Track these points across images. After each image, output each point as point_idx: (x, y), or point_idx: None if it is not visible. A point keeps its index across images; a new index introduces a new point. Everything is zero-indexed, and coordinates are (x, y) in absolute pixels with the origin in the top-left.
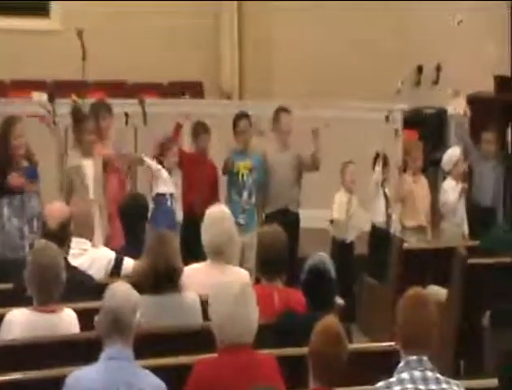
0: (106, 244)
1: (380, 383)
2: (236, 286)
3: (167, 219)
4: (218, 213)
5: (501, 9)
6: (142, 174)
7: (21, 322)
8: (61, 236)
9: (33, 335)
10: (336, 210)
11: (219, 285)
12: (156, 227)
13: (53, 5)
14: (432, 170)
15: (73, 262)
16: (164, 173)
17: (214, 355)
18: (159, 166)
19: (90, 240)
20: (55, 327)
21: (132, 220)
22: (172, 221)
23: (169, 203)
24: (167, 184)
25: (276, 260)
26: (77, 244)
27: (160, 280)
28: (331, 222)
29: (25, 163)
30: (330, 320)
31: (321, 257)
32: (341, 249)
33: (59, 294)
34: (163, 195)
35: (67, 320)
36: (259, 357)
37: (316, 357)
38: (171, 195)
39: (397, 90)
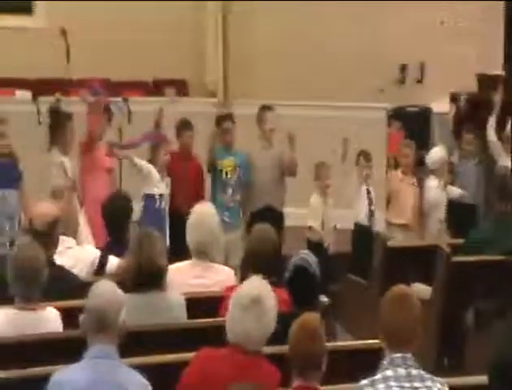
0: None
1: (364, 381)
2: (255, 292)
3: (156, 220)
4: (202, 211)
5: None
6: (130, 173)
7: (2, 322)
8: (48, 236)
9: (15, 333)
10: (312, 217)
11: (242, 285)
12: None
13: (37, 3)
14: (417, 168)
15: (58, 260)
16: (156, 174)
17: (221, 349)
18: (150, 168)
19: (74, 237)
20: (37, 326)
21: (115, 219)
22: (161, 222)
23: (158, 204)
24: (158, 185)
25: (266, 259)
26: (62, 242)
27: (144, 279)
28: (310, 228)
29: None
30: (308, 316)
31: (305, 255)
32: (316, 250)
33: (41, 292)
34: (152, 196)
35: (49, 318)
36: (262, 364)
37: (294, 353)
38: (161, 196)
39: (379, 89)
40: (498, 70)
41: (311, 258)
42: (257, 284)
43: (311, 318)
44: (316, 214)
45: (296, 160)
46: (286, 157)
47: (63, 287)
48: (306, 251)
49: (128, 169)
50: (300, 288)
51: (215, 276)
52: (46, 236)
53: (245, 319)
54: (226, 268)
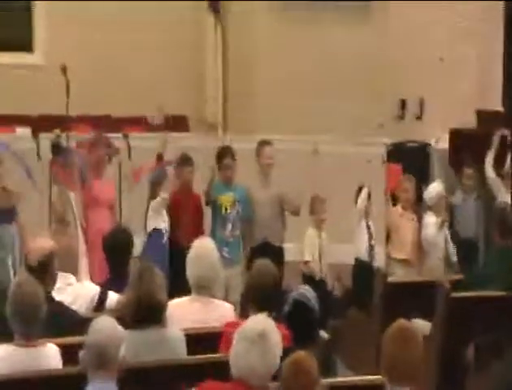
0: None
1: None
2: (260, 327)
3: (160, 255)
4: (202, 246)
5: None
6: (128, 207)
7: (2, 358)
8: (41, 272)
9: (15, 370)
10: (307, 251)
11: (248, 321)
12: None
13: (37, 40)
14: (417, 204)
15: (57, 296)
16: (163, 209)
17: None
18: (160, 202)
19: (74, 274)
20: (37, 362)
21: (116, 253)
22: (164, 256)
23: (163, 239)
24: (164, 219)
25: (266, 294)
26: (61, 278)
27: (143, 314)
28: (305, 263)
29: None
30: (300, 353)
31: (304, 290)
32: (314, 285)
33: (40, 328)
34: (159, 230)
35: (49, 355)
36: None
37: (287, 380)
38: (166, 231)
39: (379, 124)
40: (498, 104)
41: (310, 293)
42: (262, 320)
43: (303, 354)
44: (312, 249)
45: (300, 206)
46: (291, 204)
47: (63, 323)
48: (306, 286)
49: (128, 203)
50: (299, 323)
51: (215, 312)
52: (41, 270)
53: (250, 354)
54: (226, 304)
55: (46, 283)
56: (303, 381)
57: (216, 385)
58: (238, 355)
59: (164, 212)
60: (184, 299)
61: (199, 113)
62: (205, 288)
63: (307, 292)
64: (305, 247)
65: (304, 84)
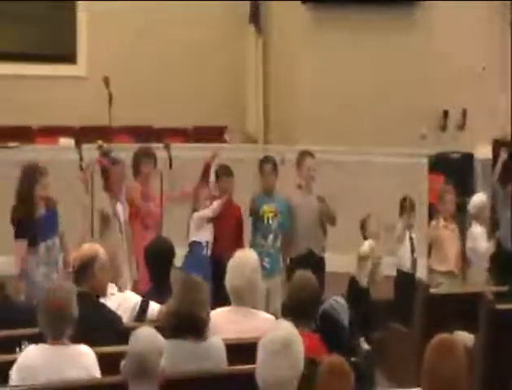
0: (134, 288)
1: None
2: (281, 338)
3: (202, 268)
4: (243, 256)
5: None
6: (171, 219)
7: (35, 355)
8: (83, 275)
9: (50, 368)
10: (368, 250)
11: (269, 331)
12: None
13: (80, 52)
14: (459, 215)
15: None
16: (205, 221)
17: None
18: (201, 215)
19: (116, 283)
20: (72, 359)
21: (157, 264)
22: (206, 269)
23: (205, 251)
24: (206, 231)
25: (306, 306)
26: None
27: (183, 327)
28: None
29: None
30: (335, 357)
31: (333, 302)
32: (360, 292)
33: (71, 331)
34: (199, 243)
35: (82, 352)
36: None
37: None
38: (207, 243)
39: (421, 136)
40: None
41: (339, 304)
42: (284, 328)
43: (338, 358)
44: (369, 249)
45: (333, 214)
46: (325, 213)
47: (106, 327)
48: (338, 297)
49: (170, 215)
50: (327, 335)
51: (254, 322)
52: (83, 274)
53: (274, 364)
54: (266, 314)
55: (90, 286)
56: (337, 383)
57: None
58: (263, 367)
59: (206, 225)
60: (224, 309)
61: (240, 125)
62: (242, 299)
63: (337, 303)
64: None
65: (344, 96)
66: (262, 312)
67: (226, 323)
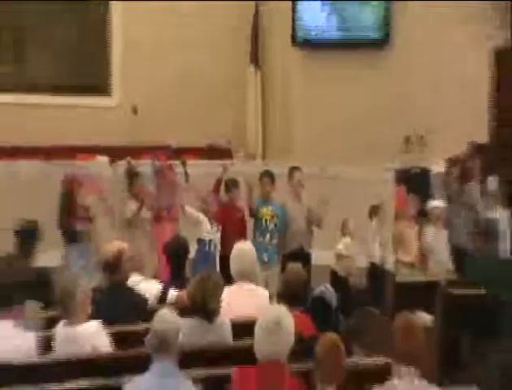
0: (156, 277)
1: (376, 388)
2: (274, 317)
3: (206, 261)
4: (241, 245)
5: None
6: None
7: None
8: (113, 266)
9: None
10: (343, 249)
11: (263, 310)
12: (196, 266)
13: (113, 84)
14: (419, 219)
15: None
16: (207, 224)
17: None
18: (201, 216)
19: (142, 273)
20: (78, 336)
21: (175, 258)
22: (210, 263)
23: (207, 248)
24: (209, 231)
25: (297, 291)
26: (132, 277)
27: (197, 309)
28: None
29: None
30: (330, 334)
31: (324, 288)
32: (340, 282)
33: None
34: (203, 240)
35: (89, 329)
36: (286, 376)
37: (321, 358)
38: (210, 241)
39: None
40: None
41: (329, 291)
42: (276, 309)
43: (334, 336)
44: (347, 248)
45: (322, 218)
46: (315, 216)
47: (135, 308)
48: (327, 285)
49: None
50: (318, 315)
51: (255, 297)
52: (114, 265)
53: (269, 340)
54: (264, 290)
55: (120, 274)
56: (334, 356)
57: (247, 370)
58: (259, 342)
59: (208, 225)
60: (231, 286)
61: (242, 145)
62: (245, 277)
63: (327, 290)
64: (340, 247)
65: (330, 121)
66: (260, 288)
67: (232, 298)
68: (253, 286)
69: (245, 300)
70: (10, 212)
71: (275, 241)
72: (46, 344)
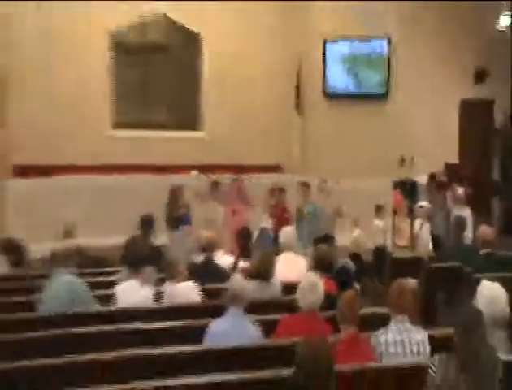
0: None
1: (377, 331)
2: (311, 281)
3: (266, 243)
4: (287, 228)
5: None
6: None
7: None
8: (208, 248)
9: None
10: (357, 236)
11: (304, 276)
12: (258, 245)
13: (202, 121)
14: (410, 215)
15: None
16: (267, 218)
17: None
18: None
19: (219, 250)
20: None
21: (243, 241)
22: (267, 242)
23: (267, 233)
24: (268, 222)
25: (325, 262)
26: (216, 253)
27: (260, 274)
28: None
29: (184, 212)
30: (349, 292)
31: (344, 262)
32: (355, 258)
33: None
34: (265, 227)
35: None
36: (320, 321)
37: (343, 307)
38: (265, 228)
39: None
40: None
41: (348, 264)
42: (313, 276)
43: (353, 292)
44: (360, 234)
45: (342, 212)
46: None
47: (216, 273)
48: (348, 259)
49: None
50: (342, 280)
51: (298, 263)
52: (208, 247)
53: (309, 295)
54: (303, 259)
55: (211, 253)
56: (353, 307)
57: (293, 316)
58: (301, 297)
59: (267, 218)
60: (280, 256)
61: (285, 163)
62: (290, 249)
63: (346, 263)
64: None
65: (346, 148)
66: (301, 257)
67: (282, 264)
68: (295, 256)
69: (290, 265)
70: (137, 209)
71: (309, 230)
72: (158, 296)
